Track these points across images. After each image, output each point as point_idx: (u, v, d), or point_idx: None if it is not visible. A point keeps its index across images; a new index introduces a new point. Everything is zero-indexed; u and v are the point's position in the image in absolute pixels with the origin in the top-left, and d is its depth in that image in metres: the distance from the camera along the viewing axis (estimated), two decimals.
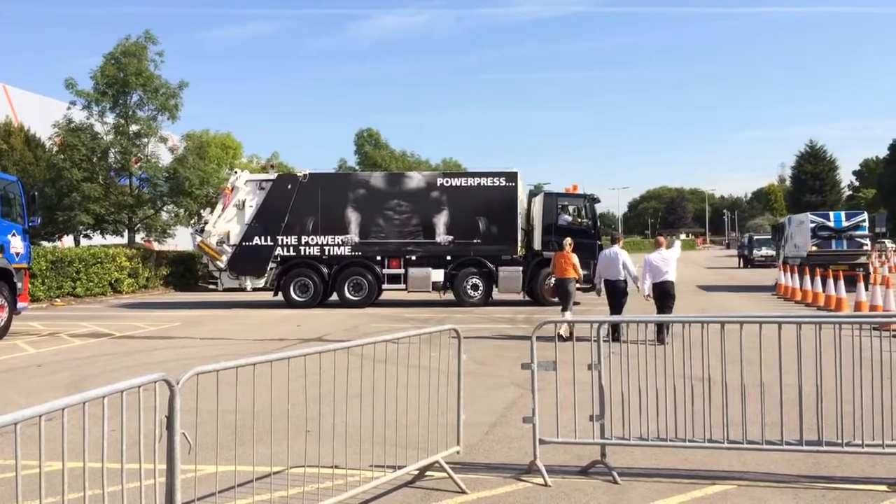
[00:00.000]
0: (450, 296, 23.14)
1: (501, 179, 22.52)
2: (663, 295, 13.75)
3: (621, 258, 14.01)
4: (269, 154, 47.09)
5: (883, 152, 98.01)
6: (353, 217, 22.50)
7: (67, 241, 35.61)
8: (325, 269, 22.57)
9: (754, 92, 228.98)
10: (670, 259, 13.87)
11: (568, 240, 15.19)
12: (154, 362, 12.29)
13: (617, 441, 5.99)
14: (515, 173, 22.63)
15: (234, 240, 22.51)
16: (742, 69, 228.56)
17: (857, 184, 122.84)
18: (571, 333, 11.44)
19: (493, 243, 22.42)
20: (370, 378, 5.70)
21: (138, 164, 32.99)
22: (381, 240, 22.52)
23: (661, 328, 11.60)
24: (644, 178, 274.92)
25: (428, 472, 5.86)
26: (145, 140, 33.02)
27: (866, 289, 18.52)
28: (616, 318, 10.29)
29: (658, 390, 6.01)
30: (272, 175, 23.42)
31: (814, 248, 25.88)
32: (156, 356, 13.17)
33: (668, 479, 5.81)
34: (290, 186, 22.56)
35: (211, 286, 33.02)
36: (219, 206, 23.22)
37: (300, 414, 6.31)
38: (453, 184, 22.66)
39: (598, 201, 23.67)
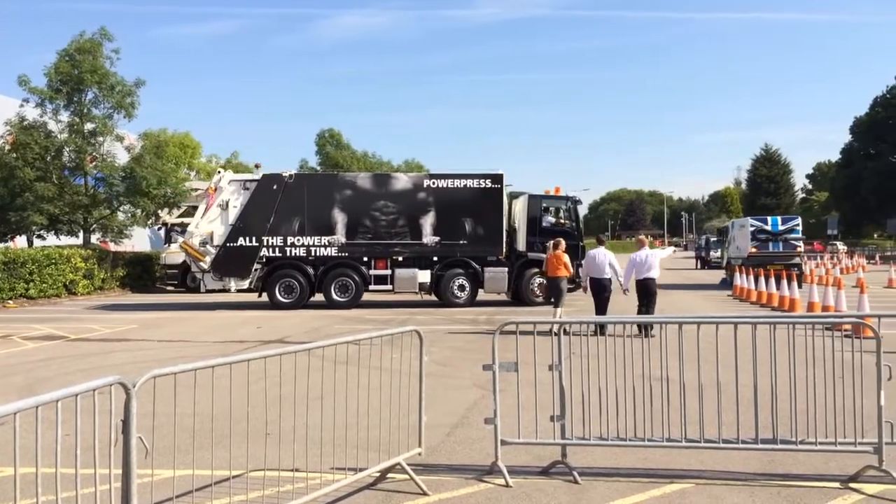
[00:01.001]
0: (430, 297, 23.31)
1: (487, 181, 22.60)
2: (645, 291, 14.80)
3: (607, 258, 15.14)
4: (228, 154, 46.58)
5: (835, 156, 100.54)
6: (339, 218, 22.33)
7: (20, 241, 34.78)
8: (311, 270, 22.40)
9: (711, 95, 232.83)
10: (654, 258, 14.91)
11: (561, 241, 16.04)
12: (110, 365, 12.06)
13: (577, 441, 6.04)
14: (501, 175, 22.72)
15: (217, 241, 22.13)
16: (698, 73, 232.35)
17: (810, 187, 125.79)
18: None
19: (478, 244, 22.53)
20: (331, 380, 5.67)
21: (93, 163, 32.34)
22: (367, 241, 22.36)
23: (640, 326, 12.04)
24: (604, 180, 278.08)
25: (389, 474, 5.84)
26: (101, 139, 32.38)
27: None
28: (577, 318, 10.40)
29: (618, 390, 6.08)
30: (257, 175, 22.99)
31: (753, 250, 28.16)
32: (112, 359, 12.93)
33: (628, 478, 5.88)
34: (275, 187, 22.26)
35: (169, 287, 32.63)
36: (201, 207, 22.77)
37: (260, 417, 6.23)
38: (440, 185, 22.55)
39: (580, 203, 24.32)
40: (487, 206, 22.53)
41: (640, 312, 14.76)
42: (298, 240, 22.22)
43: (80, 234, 33.81)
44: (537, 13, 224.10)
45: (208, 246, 22.11)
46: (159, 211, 33.87)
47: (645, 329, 10.55)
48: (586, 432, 6.03)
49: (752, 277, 23.90)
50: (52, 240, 33.61)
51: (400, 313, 20.68)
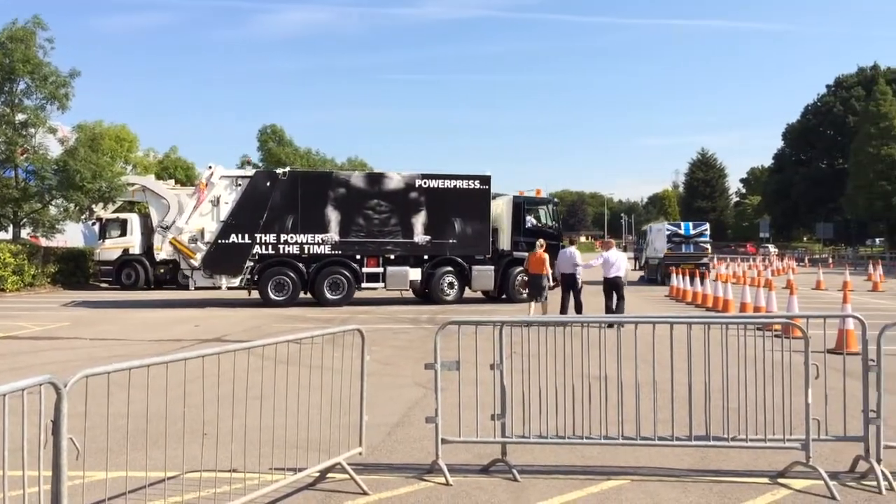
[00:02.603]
0: (408, 293, 24.04)
1: (476, 182, 23.27)
2: (613, 287, 16.47)
3: (576, 256, 17.18)
4: (167, 148, 45.58)
5: (768, 161, 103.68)
6: (332, 216, 22.39)
7: None
8: (303, 268, 22.37)
9: (650, 100, 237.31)
10: (622, 259, 16.89)
11: (541, 241, 18.59)
12: (40, 364, 11.69)
13: (517, 439, 6.11)
14: (489, 177, 23.43)
15: (208, 237, 21.84)
16: (638, 78, 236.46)
17: (744, 191, 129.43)
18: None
19: (466, 243, 23.15)
20: (271, 379, 5.60)
21: (24, 155, 31.27)
22: (360, 239, 22.56)
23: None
24: (547, 182, 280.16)
25: (329, 474, 5.80)
26: (33, 130, 31.32)
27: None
28: (521, 318, 10.55)
29: (557, 389, 6.16)
30: (249, 171, 22.88)
31: (668, 251, 32.56)
32: (42, 357, 12.53)
33: (566, 475, 5.96)
34: (268, 184, 22.19)
35: (103, 284, 31.75)
36: (192, 202, 22.27)
37: (197, 417, 6.14)
38: (431, 185, 23.00)
39: (559, 205, 25.92)
40: (475, 206, 23.22)
41: (607, 306, 16.52)
42: (292, 237, 22.17)
43: (10, 229, 32.66)
44: (481, 14, 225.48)
45: (199, 242, 21.78)
46: (93, 205, 32.89)
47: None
48: (526, 430, 6.10)
49: (687, 278, 24.59)
50: None
51: (341, 312, 20.54)
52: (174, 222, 22.07)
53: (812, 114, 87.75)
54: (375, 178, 23.28)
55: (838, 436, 6.04)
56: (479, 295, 24.97)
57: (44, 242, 33.78)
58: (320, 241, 22.32)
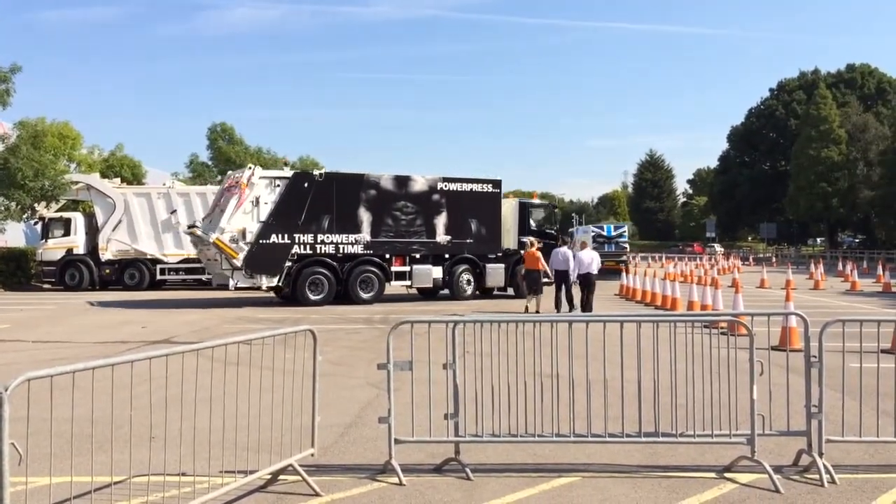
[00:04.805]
0: (413, 290, 25.17)
1: (489, 186, 25.02)
2: (587, 282, 19.01)
3: (568, 254, 19.22)
4: (112, 146, 44.55)
5: (713, 163, 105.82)
6: (365, 216, 23.15)
7: None
8: (338, 267, 22.81)
9: (600, 101, 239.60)
10: (595, 256, 19.28)
11: (533, 239, 21.00)
12: None
13: (470, 438, 6.13)
14: (500, 181, 25.38)
15: (249, 237, 21.73)
16: (589, 79, 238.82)
17: (690, 192, 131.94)
18: (537, 310, 18.81)
19: (481, 243, 24.71)
20: (221, 381, 5.52)
21: None
22: (389, 239, 23.45)
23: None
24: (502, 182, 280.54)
25: (281, 476, 5.74)
26: None
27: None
28: (474, 316, 10.57)
29: (510, 387, 6.21)
30: (287, 173, 23.09)
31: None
32: None
33: (519, 473, 6.01)
34: (306, 185, 22.47)
35: (46, 285, 30.91)
36: (232, 202, 21.82)
37: (144, 420, 6.02)
38: (451, 188, 24.31)
39: (557, 207, 29.02)
40: (489, 208, 24.89)
41: (583, 298, 19.01)
42: (328, 237, 22.67)
43: None
44: (430, 14, 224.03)
45: (240, 242, 21.61)
46: (36, 204, 32.00)
47: (583, 307, 17.54)
48: (479, 429, 6.13)
49: (637, 277, 25.06)
50: None
51: (295, 312, 20.36)
52: (215, 222, 21.89)
53: (755, 117, 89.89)
54: (402, 181, 23.93)
55: (782, 430, 6.21)
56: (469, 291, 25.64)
57: None
58: (353, 241, 22.98)
